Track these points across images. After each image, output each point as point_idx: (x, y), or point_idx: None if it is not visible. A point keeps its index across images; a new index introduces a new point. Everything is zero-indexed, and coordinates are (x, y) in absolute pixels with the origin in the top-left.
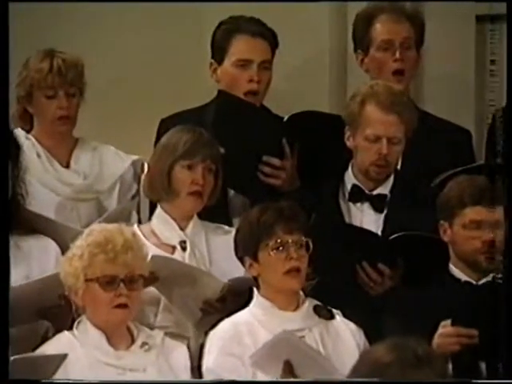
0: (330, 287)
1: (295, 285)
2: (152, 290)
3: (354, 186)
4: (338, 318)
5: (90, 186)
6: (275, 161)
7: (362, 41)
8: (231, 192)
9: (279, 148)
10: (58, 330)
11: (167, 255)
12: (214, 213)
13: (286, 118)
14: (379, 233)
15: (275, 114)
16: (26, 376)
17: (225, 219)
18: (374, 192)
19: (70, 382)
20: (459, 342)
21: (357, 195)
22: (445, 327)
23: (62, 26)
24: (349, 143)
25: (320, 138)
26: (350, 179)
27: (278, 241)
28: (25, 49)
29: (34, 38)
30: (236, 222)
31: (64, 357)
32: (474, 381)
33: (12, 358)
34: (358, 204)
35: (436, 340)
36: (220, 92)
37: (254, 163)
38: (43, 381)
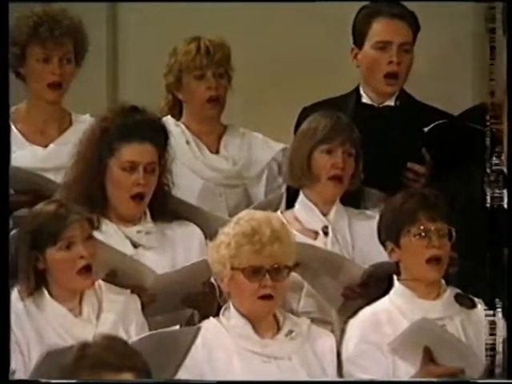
0: (471, 275)
1: (435, 275)
2: (295, 275)
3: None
4: (480, 306)
5: (238, 171)
6: (419, 168)
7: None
8: None
9: (419, 155)
10: (204, 317)
11: (309, 242)
12: (350, 196)
13: (427, 129)
14: None
15: (417, 101)
16: (159, 352)
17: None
18: None
19: (71, 382)
20: None
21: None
22: None
23: (207, 14)
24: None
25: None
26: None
27: (421, 227)
28: (170, 38)
29: (178, 27)
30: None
31: (198, 330)
32: (474, 381)
33: (145, 335)
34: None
35: None
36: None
37: (393, 167)
38: (43, 381)
